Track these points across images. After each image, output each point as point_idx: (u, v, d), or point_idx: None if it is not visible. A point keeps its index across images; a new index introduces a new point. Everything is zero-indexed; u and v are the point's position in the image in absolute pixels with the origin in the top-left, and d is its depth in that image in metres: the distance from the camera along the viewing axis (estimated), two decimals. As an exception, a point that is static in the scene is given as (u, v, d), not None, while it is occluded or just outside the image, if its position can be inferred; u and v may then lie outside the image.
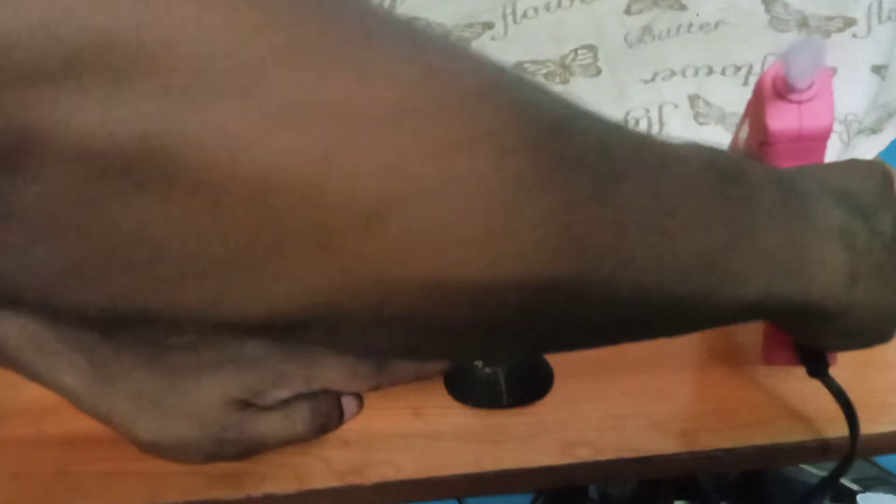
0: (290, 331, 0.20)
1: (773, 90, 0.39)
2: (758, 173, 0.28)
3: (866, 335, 0.35)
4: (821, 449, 0.42)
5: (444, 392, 0.44)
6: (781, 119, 0.38)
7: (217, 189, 0.16)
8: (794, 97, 0.38)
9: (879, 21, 0.62)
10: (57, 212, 0.15)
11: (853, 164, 0.35)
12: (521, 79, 0.21)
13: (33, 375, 0.38)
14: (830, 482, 0.40)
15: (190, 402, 0.38)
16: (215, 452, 0.39)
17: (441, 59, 0.19)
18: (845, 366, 0.40)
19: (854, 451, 0.39)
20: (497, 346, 0.25)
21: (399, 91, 0.17)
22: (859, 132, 0.68)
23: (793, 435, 0.42)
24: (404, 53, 0.18)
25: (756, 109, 0.40)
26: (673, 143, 0.25)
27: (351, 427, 0.42)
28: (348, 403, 0.42)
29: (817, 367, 0.40)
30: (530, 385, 0.45)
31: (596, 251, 0.22)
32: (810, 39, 0.37)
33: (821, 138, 0.38)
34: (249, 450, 0.40)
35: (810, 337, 0.37)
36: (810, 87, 0.37)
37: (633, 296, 0.24)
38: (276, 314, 0.18)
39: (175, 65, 0.15)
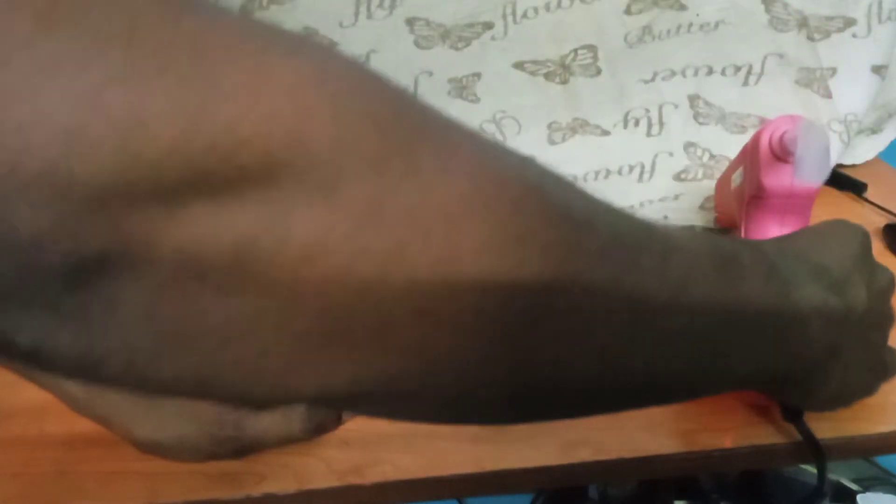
0: (341, 402, 0.22)
1: (770, 150, 0.42)
2: (747, 259, 0.30)
3: (842, 399, 0.38)
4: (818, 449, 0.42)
5: (444, 392, 0.44)
6: (777, 178, 0.41)
7: (292, 287, 0.17)
8: (790, 159, 0.41)
9: (879, 21, 0.62)
10: (153, 303, 0.16)
11: (832, 234, 0.37)
12: (555, 176, 0.23)
13: (31, 376, 0.38)
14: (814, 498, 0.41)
15: (187, 401, 0.38)
16: (213, 451, 0.39)
17: (491, 165, 0.21)
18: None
19: (821, 489, 0.41)
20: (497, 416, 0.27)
21: (455, 198, 0.19)
22: (859, 132, 0.68)
23: (791, 435, 0.42)
24: (462, 162, 0.20)
25: (752, 163, 0.43)
26: (675, 232, 0.27)
27: (351, 427, 0.42)
28: (348, 403, 0.42)
29: (793, 416, 0.42)
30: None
31: (611, 335, 0.24)
32: (816, 142, 0.39)
33: (809, 197, 0.42)
34: (247, 449, 0.40)
35: (791, 400, 0.40)
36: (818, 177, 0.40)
37: (638, 368, 0.26)
38: (327, 392, 0.20)
39: (272, 177, 0.16)
